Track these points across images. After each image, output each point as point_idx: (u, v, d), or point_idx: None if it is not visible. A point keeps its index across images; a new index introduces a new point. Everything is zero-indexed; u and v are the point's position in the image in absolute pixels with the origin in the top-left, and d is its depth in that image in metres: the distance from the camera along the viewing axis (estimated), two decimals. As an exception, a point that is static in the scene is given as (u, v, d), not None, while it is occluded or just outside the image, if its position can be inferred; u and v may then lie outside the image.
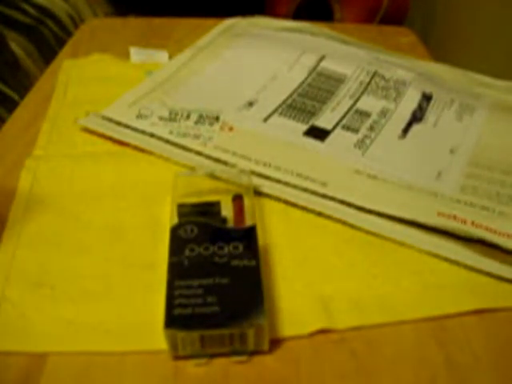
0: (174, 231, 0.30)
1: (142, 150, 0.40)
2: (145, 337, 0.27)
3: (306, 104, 0.45)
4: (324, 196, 0.36)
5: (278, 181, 0.37)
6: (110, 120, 0.42)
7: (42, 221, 0.34)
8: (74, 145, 0.41)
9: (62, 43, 0.67)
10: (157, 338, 0.26)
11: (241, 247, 0.29)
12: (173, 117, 0.42)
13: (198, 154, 0.39)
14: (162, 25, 0.62)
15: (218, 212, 0.33)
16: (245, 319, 0.25)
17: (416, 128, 0.43)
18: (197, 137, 0.41)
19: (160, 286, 0.28)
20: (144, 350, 0.27)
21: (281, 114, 0.44)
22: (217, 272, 0.28)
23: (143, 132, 0.41)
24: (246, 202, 0.34)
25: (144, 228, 0.34)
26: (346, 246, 0.33)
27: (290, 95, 0.46)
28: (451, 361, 0.27)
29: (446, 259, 0.32)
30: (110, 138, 0.41)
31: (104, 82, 0.49)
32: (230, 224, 0.33)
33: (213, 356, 0.27)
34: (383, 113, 0.45)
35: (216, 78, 0.49)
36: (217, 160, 0.39)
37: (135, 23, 0.64)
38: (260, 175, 0.37)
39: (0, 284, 0.30)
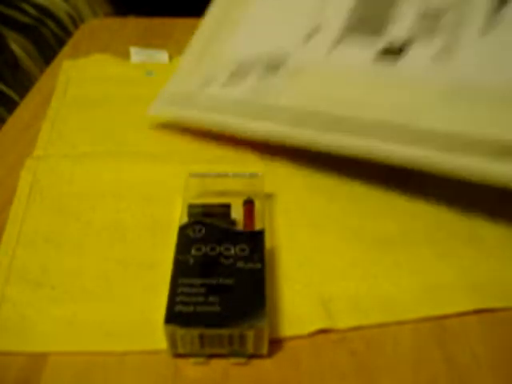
0: (183, 230, 0.31)
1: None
2: (145, 337, 0.27)
3: (370, 21, 0.38)
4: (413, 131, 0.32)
5: (362, 125, 0.33)
6: (176, 96, 0.41)
7: (41, 221, 0.34)
8: (74, 145, 0.41)
9: (61, 43, 0.67)
10: (156, 337, 0.26)
11: (247, 250, 0.29)
12: (235, 79, 0.40)
13: (270, 108, 0.37)
14: (162, 25, 0.62)
15: (228, 214, 0.33)
16: (245, 321, 0.25)
17: (505, 13, 0.33)
18: (266, 91, 0.38)
19: (160, 286, 0.28)
20: (144, 349, 0.27)
21: (345, 42, 0.38)
22: (221, 272, 0.28)
23: (212, 105, 0.39)
24: (257, 206, 0.34)
25: (144, 228, 0.34)
26: (346, 246, 0.33)
27: (350, 14, 0.39)
28: (451, 361, 0.27)
29: None
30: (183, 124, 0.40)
31: (104, 82, 0.49)
32: (239, 227, 0.33)
33: (211, 356, 0.27)
34: (457, 6, 0.35)
35: (263, 18, 0.44)
36: (292, 110, 0.36)
37: (135, 23, 0.64)
38: (340, 120, 0.34)
39: (0, 284, 0.30)
